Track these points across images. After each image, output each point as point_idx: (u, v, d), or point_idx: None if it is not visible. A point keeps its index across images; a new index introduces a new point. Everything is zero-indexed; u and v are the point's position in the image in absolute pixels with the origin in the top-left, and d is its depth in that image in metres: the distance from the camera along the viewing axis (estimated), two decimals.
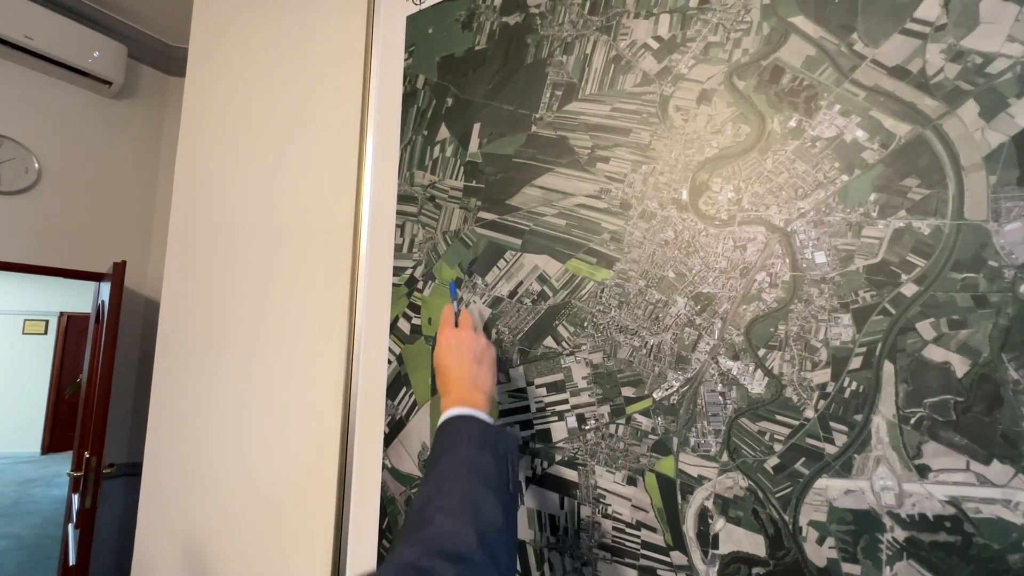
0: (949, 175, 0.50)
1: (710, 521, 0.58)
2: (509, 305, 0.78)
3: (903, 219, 0.51)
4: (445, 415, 0.60)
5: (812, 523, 0.52)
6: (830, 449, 0.52)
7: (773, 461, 0.55)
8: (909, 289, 0.50)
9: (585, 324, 0.70)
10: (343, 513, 0.94)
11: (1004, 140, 0.47)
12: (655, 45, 0.69)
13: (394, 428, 0.89)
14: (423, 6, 0.97)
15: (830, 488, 0.52)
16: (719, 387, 0.59)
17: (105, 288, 2.26)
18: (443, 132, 0.90)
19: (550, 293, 0.74)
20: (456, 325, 0.73)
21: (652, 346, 0.65)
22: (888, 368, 0.50)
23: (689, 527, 0.60)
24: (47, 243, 2.33)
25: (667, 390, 0.63)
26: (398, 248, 0.94)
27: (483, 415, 0.59)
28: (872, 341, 0.51)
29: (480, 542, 0.44)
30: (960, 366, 0.47)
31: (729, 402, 0.59)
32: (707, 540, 0.58)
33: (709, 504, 0.59)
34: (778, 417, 0.55)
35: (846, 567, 0.50)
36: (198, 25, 1.29)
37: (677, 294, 0.64)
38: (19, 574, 3.41)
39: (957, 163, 0.49)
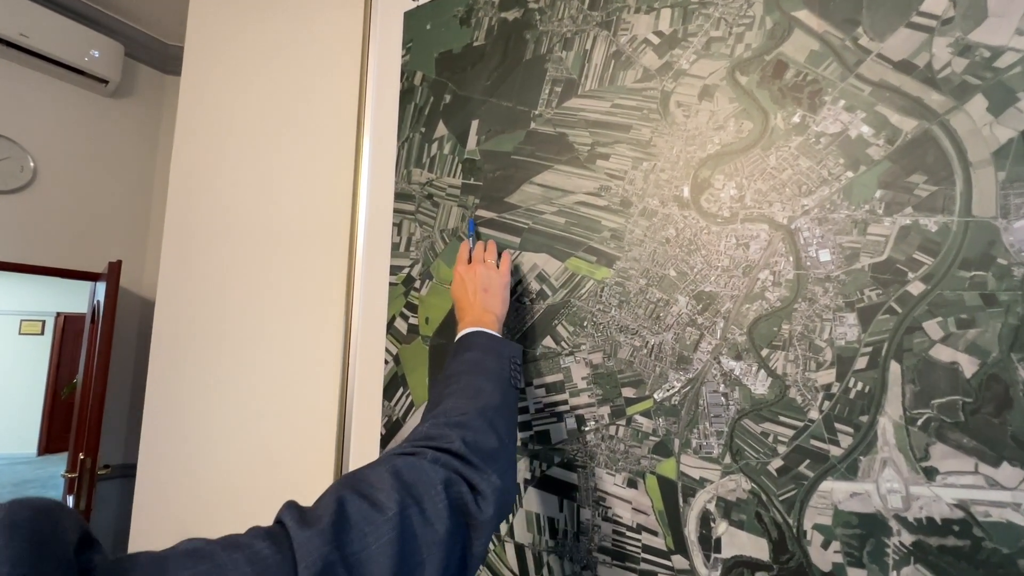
0: (957, 171, 0.49)
1: (712, 524, 0.57)
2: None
3: (910, 216, 0.50)
4: (458, 336, 0.64)
5: (817, 526, 0.51)
6: (835, 451, 0.51)
7: (777, 463, 0.54)
8: (916, 288, 0.49)
9: (585, 323, 0.69)
10: None
11: (1013, 135, 0.46)
12: (656, 40, 0.68)
13: (391, 429, 0.88)
14: (421, 1, 0.96)
15: (835, 491, 0.51)
16: (721, 388, 0.58)
17: (101, 288, 2.24)
18: (441, 129, 0.89)
19: (549, 292, 0.73)
20: (469, 261, 0.75)
21: (653, 346, 0.64)
22: (894, 368, 0.49)
23: (691, 530, 0.58)
24: (42, 243, 2.31)
25: (668, 391, 0.62)
26: (395, 247, 0.93)
27: (490, 331, 0.63)
28: (878, 341, 0.50)
29: (479, 413, 0.50)
30: (968, 366, 0.46)
31: (732, 403, 0.57)
32: (709, 544, 0.57)
33: (711, 507, 0.57)
34: (782, 418, 0.54)
35: (852, 572, 0.49)
36: (194, 23, 1.28)
37: (679, 293, 0.62)
38: None
39: (965, 159, 0.48)
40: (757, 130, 0.59)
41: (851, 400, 0.51)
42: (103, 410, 2.00)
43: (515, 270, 0.76)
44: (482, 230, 0.81)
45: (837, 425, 0.51)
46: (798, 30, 0.58)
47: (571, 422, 0.69)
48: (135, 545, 1.12)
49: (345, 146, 1.05)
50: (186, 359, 1.13)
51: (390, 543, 0.33)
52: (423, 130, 0.91)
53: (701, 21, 0.64)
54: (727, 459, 0.57)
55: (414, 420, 0.85)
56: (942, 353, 0.48)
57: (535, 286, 0.75)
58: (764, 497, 0.54)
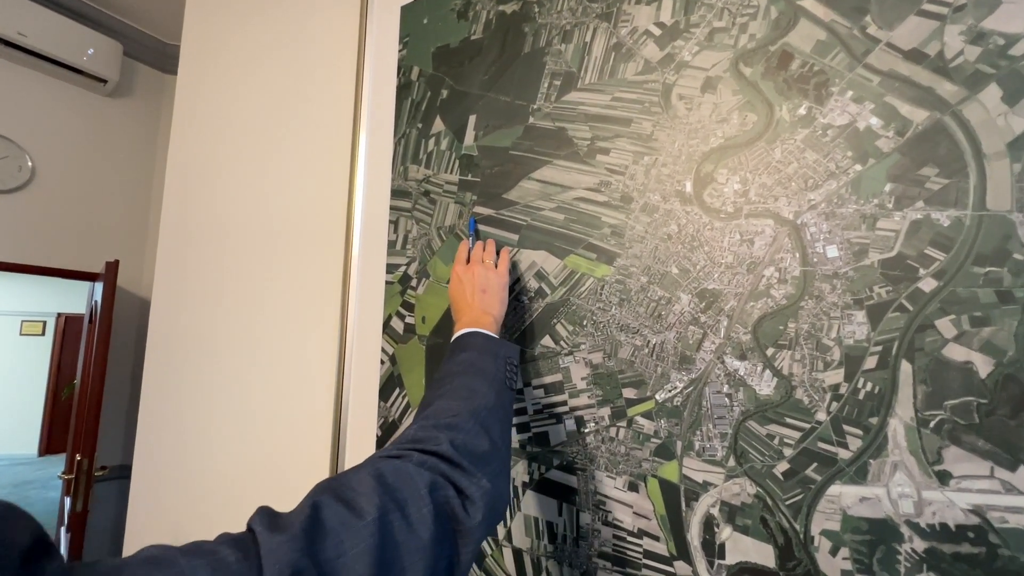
0: (970, 163, 0.47)
1: (716, 529, 0.55)
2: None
3: (921, 210, 0.48)
4: (454, 336, 0.63)
5: (824, 532, 0.49)
6: (844, 454, 0.49)
7: (783, 466, 0.52)
8: (928, 284, 0.47)
9: (584, 322, 0.68)
10: None
11: None
12: (657, 32, 0.66)
13: (387, 431, 0.86)
14: None
15: (844, 495, 0.49)
16: (725, 388, 0.56)
17: (99, 288, 2.23)
18: (438, 125, 0.87)
19: (548, 290, 0.71)
20: (468, 261, 0.73)
21: (654, 345, 0.62)
22: (906, 368, 0.48)
23: (694, 536, 0.57)
24: (41, 242, 2.30)
25: (670, 391, 0.60)
26: (391, 245, 0.91)
27: (487, 332, 0.62)
28: (888, 340, 0.49)
29: (471, 415, 0.48)
30: (983, 366, 0.44)
31: (736, 404, 0.56)
32: (713, 550, 0.55)
33: (715, 512, 0.56)
34: (788, 420, 0.53)
35: None
36: (190, 20, 1.26)
37: (681, 291, 0.61)
38: None
39: (979, 150, 0.46)
40: (761, 123, 0.58)
41: (860, 401, 0.49)
42: (100, 411, 1.99)
43: (513, 268, 0.74)
44: (480, 227, 0.79)
45: (846, 427, 0.50)
46: (804, 19, 0.56)
47: (570, 424, 0.67)
48: (130, 547, 1.11)
49: (341, 143, 1.04)
50: (181, 359, 1.12)
51: (368, 550, 0.32)
52: (420, 126, 0.90)
53: (704, 11, 0.63)
54: (731, 462, 0.55)
55: (410, 421, 0.83)
56: (955, 352, 0.46)
57: (533, 284, 0.73)
58: (770, 501, 0.53)
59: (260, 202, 1.10)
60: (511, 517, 0.71)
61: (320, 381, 0.98)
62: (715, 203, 0.60)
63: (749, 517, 0.54)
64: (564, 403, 0.68)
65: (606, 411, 0.64)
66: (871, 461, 0.48)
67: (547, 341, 0.71)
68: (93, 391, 1.97)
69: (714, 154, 0.60)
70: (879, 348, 0.49)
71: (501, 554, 0.71)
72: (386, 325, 0.89)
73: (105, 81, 2.43)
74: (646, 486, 0.60)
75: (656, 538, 0.59)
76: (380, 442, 0.87)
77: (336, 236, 1.01)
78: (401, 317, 0.87)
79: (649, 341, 0.62)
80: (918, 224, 0.48)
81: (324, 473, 0.94)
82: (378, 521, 0.33)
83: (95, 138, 2.50)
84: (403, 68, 0.95)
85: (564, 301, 0.70)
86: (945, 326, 0.46)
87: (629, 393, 0.63)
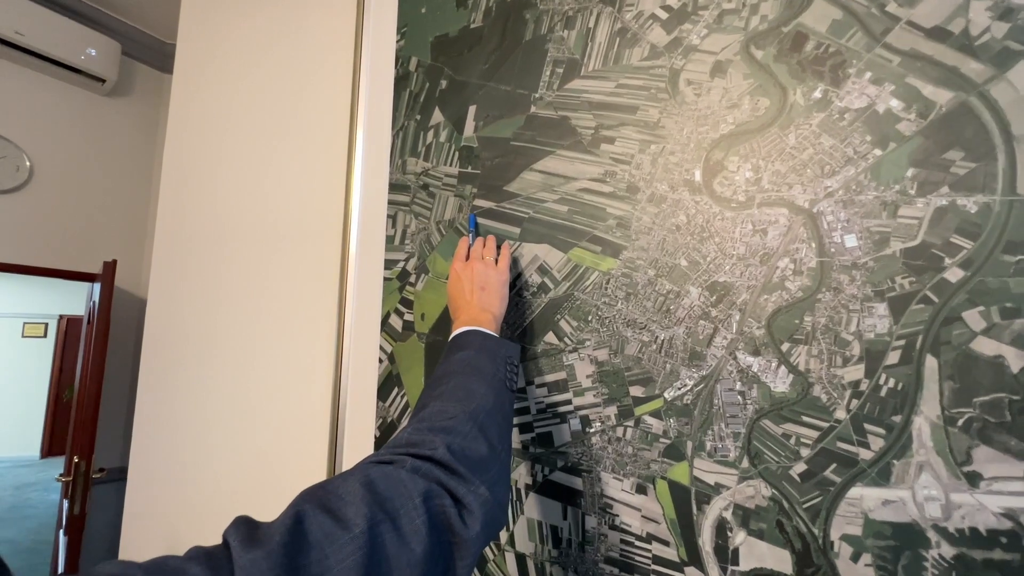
0: (999, 146, 0.44)
1: (729, 534, 0.53)
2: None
3: (946, 196, 0.46)
4: (452, 335, 0.61)
5: (845, 537, 0.47)
6: (865, 454, 0.47)
7: (800, 468, 0.50)
8: (954, 274, 0.45)
9: (589, 318, 0.65)
10: None
11: None
12: (664, 15, 0.63)
13: (385, 431, 0.84)
14: None
15: (865, 498, 0.46)
16: (738, 385, 0.54)
17: (98, 289, 2.21)
18: (437, 116, 0.85)
19: (551, 285, 0.69)
20: (467, 258, 0.71)
21: (663, 341, 0.59)
22: (931, 363, 0.45)
23: (705, 540, 0.54)
24: (39, 243, 2.29)
25: (680, 389, 0.57)
26: (390, 240, 0.89)
27: (486, 330, 0.60)
28: (912, 333, 0.46)
29: (468, 417, 0.46)
30: (1015, 360, 0.42)
31: (749, 402, 0.53)
32: (726, 555, 0.53)
33: (728, 515, 0.53)
34: (805, 418, 0.50)
35: None
36: (186, 16, 1.24)
37: (690, 284, 0.58)
38: None
39: (1008, 132, 0.44)
40: (774, 107, 0.55)
41: (882, 398, 0.47)
42: (98, 412, 1.97)
43: (515, 263, 0.72)
44: (480, 220, 0.77)
45: (867, 426, 0.47)
46: None
47: (575, 423, 0.65)
48: (125, 551, 1.09)
49: (338, 137, 1.01)
50: (177, 359, 1.10)
51: (355, 566, 0.29)
52: (418, 118, 0.87)
53: None
54: (745, 463, 0.53)
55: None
56: (985, 346, 0.43)
57: (536, 279, 0.70)
58: (786, 504, 0.50)
59: (256, 198, 1.08)
60: (514, 521, 0.68)
61: (317, 380, 0.95)
62: (726, 192, 0.57)
63: (764, 521, 0.51)
64: (568, 402, 0.65)
65: (612, 410, 0.62)
66: (895, 462, 0.45)
67: (550, 338, 0.68)
68: (91, 392, 1.95)
69: (724, 141, 0.58)
70: (902, 342, 0.46)
71: (504, 559, 0.68)
72: (384, 323, 0.87)
73: (103, 80, 2.42)
74: (655, 488, 0.58)
75: (666, 543, 0.57)
76: (379, 443, 0.84)
77: (333, 232, 0.99)
78: (400, 314, 0.85)
79: (657, 337, 0.60)
80: (943, 211, 0.46)
81: (321, 475, 0.92)
82: (367, 533, 0.31)
83: (93, 138, 2.48)
84: (401, 59, 0.92)
85: (568, 296, 0.67)
86: (973, 318, 0.44)
87: (636, 391, 0.60)
